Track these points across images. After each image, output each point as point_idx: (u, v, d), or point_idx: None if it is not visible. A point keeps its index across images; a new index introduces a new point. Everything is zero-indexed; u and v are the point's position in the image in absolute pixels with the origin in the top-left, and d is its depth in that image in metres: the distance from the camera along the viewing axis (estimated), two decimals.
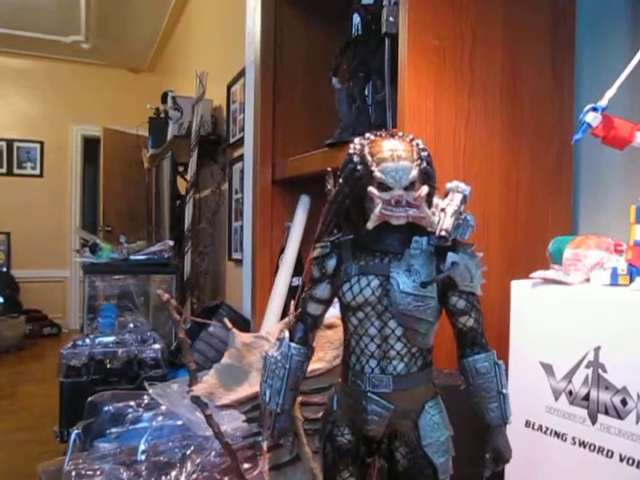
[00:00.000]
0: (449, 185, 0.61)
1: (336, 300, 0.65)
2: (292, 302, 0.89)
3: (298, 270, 1.54)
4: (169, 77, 5.44)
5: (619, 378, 0.72)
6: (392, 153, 0.58)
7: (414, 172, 0.58)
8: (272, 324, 1.42)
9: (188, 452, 1.09)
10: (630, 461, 0.70)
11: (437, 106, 1.02)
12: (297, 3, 1.64)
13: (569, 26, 1.16)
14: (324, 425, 0.67)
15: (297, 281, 1.53)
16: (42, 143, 6.34)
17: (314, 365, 0.75)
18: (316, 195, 1.55)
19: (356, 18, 1.26)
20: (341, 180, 0.61)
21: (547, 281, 0.85)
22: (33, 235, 6.11)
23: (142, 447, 1.11)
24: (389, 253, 0.60)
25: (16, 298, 5.92)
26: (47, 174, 6.37)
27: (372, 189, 0.58)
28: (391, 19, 1.10)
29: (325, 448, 0.66)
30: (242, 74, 2.88)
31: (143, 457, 1.10)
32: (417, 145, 0.60)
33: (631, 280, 0.78)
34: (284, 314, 1.47)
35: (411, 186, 0.58)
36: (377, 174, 0.58)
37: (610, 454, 0.72)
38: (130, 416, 1.24)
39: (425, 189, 0.58)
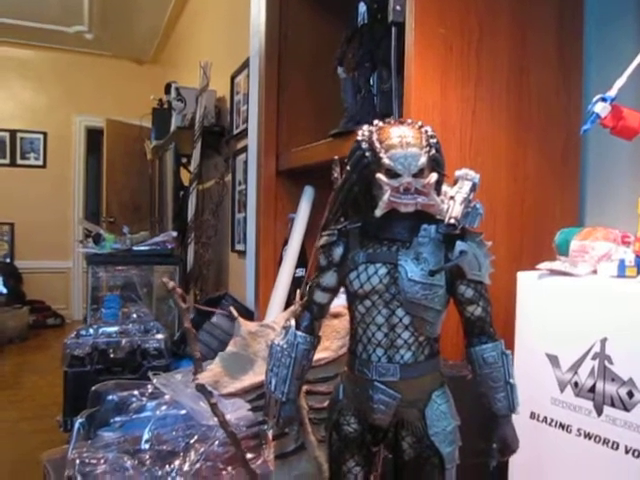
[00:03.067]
0: (458, 173, 0.61)
1: (342, 289, 0.65)
2: (297, 291, 0.89)
3: (302, 261, 1.54)
4: (173, 68, 5.42)
5: (625, 370, 0.72)
6: (401, 140, 0.58)
7: (423, 159, 0.57)
8: (276, 315, 1.42)
9: (192, 441, 1.09)
10: (636, 453, 0.70)
11: (443, 96, 1.01)
12: None
13: (577, 16, 1.15)
14: (330, 414, 0.67)
15: (301, 272, 1.53)
16: (45, 134, 6.33)
17: (320, 354, 0.75)
18: (320, 186, 1.54)
19: (362, 7, 1.25)
20: (349, 167, 0.61)
21: (553, 272, 0.85)
22: (36, 226, 6.10)
23: (146, 436, 1.12)
24: (397, 241, 0.60)
25: (19, 289, 5.93)
26: (50, 165, 6.35)
27: (380, 176, 0.57)
28: (398, 7, 1.09)
29: (331, 437, 0.66)
30: (246, 65, 2.87)
31: (147, 446, 1.10)
32: (426, 132, 0.59)
33: (638, 272, 0.78)
34: (288, 305, 1.46)
35: (420, 173, 0.57)
36: (385, 161, 0.57)
37: (616, 446, 0.72)
38: (134, 405, 1.24)
39: (434, 176, 0.58)
